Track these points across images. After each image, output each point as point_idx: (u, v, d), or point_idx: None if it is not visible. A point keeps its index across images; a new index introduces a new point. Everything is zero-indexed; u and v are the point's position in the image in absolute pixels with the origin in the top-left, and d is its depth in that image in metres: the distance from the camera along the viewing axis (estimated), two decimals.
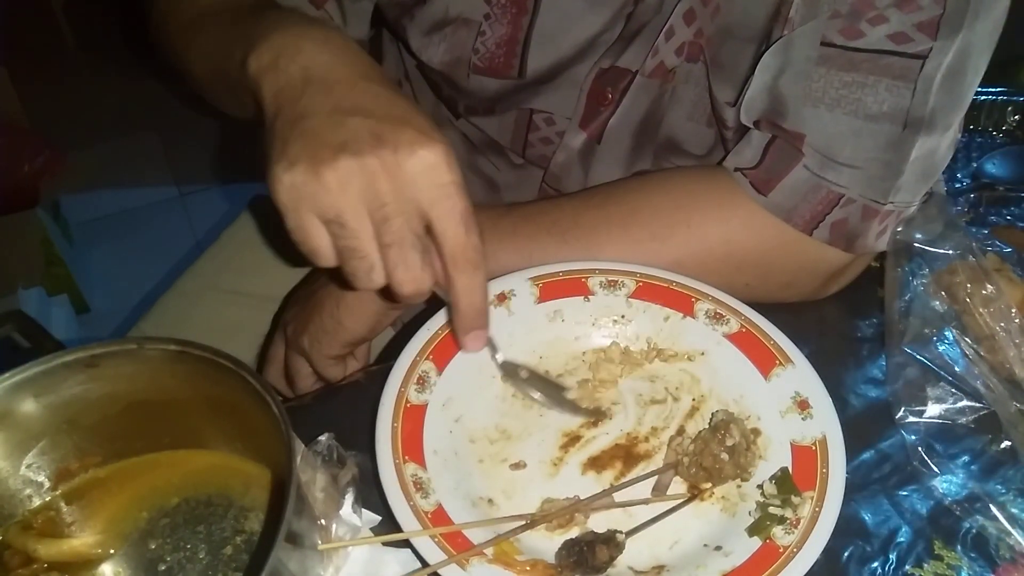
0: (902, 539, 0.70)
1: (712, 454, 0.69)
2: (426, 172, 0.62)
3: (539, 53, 0.89)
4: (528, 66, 0.89)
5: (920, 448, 0.75)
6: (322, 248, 0.64)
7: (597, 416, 0.76)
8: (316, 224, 0.63)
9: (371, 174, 0.61)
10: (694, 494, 0.70)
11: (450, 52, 0.91)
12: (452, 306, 0.69)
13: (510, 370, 0.77)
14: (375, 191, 0.61)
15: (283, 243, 1.15)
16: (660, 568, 0.65)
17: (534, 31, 0.87)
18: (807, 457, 0.70)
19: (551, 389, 0.77)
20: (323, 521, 0.62)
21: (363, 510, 0.66)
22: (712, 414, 0.75)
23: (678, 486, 0.71)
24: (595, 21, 0.86)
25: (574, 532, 0.67)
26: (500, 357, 0.76)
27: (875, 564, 0.68)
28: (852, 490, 0.70)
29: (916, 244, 0.80)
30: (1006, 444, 0.75)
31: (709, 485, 0.70)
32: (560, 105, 0.93)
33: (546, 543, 0.66)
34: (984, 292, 0.78)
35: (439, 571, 0.62)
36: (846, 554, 0.69)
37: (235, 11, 0.80)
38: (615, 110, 0.90)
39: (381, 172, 0.61)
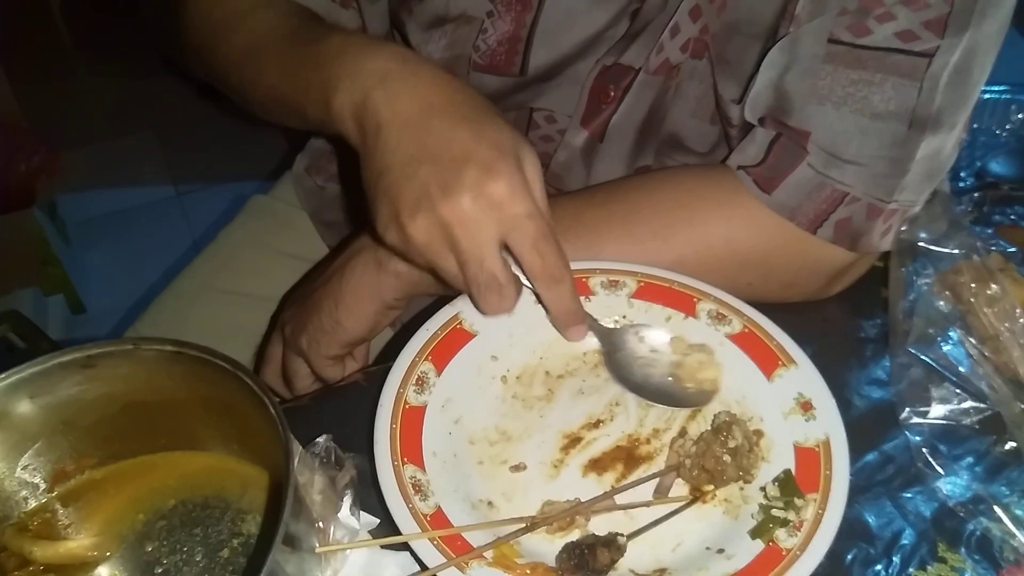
0: (906, 541, 0.70)
1: (714, 456, 0.69)
2: (495, 209, 0.68)
3: (541, 50, 0.88)
4: (530, 64, 0.89)
5: (924, 449, 0.74)
6: (453, 277, 0.72)
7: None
8: (437, 260, 0.70)
9: (446, 219, 0.67)
10: (696, 496, 0.70)
11: (450, 49, 0.91)
12: (548, 311, 0.76)
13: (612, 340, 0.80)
14: (453, 240, 0.68)
15: (284, 243, 1.16)
16: (662, 571, 0.65)
17: (537, 28, 0.87)
18: (810, 459, 0.69)
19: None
20: (321, 524, 0.62)
21: (361, 512, 0.65)
22: (714, 416, 0.74)
23: (680, 488, 0.71)
24: (599, 18, 0.86)
25: (575, 535, 0.67)
26: (607, 323, 0.80)
27: (879, 567, 0.68)
28: (855, 492, 0.70)
29: (920, 244, 0.80)
30: (1011, 445, 0.74)
31: (711, 487, 0.70)
32: (561, 103, 0.92)
33: (546, 546, 0.66)
34: (989, 292, 0.78)
35: (438, 574, 0.61)
36: (849, 556, 0.68)
37: (290, 42, 0.82)
38: (617, 107, 0.89)
39: (454, 218, 0.67)
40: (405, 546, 0.64)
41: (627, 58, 0.87)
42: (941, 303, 0.79)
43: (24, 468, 0.65)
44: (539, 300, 0.75)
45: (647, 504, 0.69)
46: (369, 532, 0.67)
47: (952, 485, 0.73)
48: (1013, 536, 0.69)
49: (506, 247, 0.70)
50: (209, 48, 0.90)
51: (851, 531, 0.69)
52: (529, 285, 0.74)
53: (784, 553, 0.63)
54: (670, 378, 0.78)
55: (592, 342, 0.80)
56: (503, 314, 0.74)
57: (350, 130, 0.72)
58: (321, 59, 0.75)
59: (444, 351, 0.76)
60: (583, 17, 0.86)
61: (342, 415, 0.76)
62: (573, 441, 0.74)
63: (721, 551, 0.66)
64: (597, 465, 0.72)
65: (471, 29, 0.89)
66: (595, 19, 0.86)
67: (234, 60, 0.87)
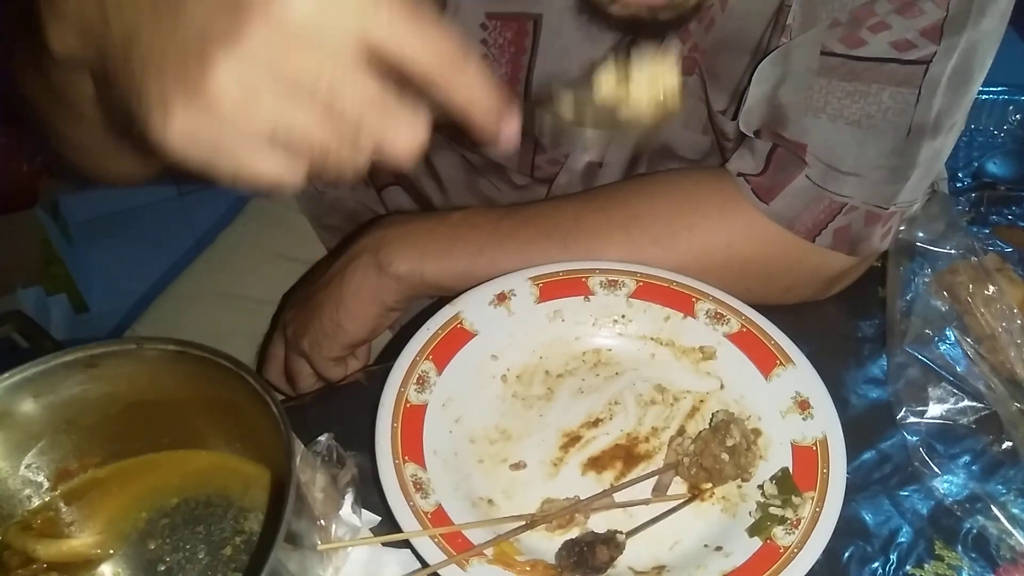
0: (903, 539, 0.70)
1: (712, 454, 0.69)
2: (327, 8, 0.42)
3: (541, 90, 0.88)
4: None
5: (921, 448, 0.75)
6: (280, 173, 0.46)
7: None
8: (252, 148, 0.44)
9: (266, 55, 0.42)
10: (694, 494, 0.70)
11: None
12: (465, 113, 0.48)
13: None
14: (290, 71, 0.43)
15: (284, 245, 1.16)
16: (660, 568, 0.65)
17: (535, 68, 0.86)
18: (808, 457, 0.70)
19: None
20: (323, 521, 0.62)
21: (363, 510, 0.66)
22: (712, 414, 0.75)
23: (678, 486, 0.71)
24: (594, 52, 0.85)
25: (574, 532, 0.67)
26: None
27: (876, 564, 0.68)
28: (853, 490, 0.70)
29: (918, 244, 0.80)
30: (1007, 444, 0.75)
31: (709, 485, 0.70)
32: None
33: (546, 543, 0.66)
34: (986, 292, 0.78)
35: (439, 571, 0.62)
36: (847, 554, 0.69)
37: None
38: None
39: (277, 44, 0.42)
40: (406, 543, 0.64)
41: None
42: (938, 303, 0.79)
43: (27, 467, 0.65)
44: (444, 113, 0.48)
45: (646, 502, 0.69)
46: (370, 530, 0.67)
47: (949, 484, 0.73)
48: (1009, 534, 0.70)
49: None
50: None
51: (848, 529, 0.69)
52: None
53: (782, 551, 0.64)
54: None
55: (593, 341, 0.80)
56: (414, 146, 0.46)
57: (60, 27, 0.51)
58: None
59: (445, 350, 0.76)
60: (578, 54, 0.85)
61: (344, 414, 0.77)
62: (572, 440, 0.74)
63: (719, 549, 0.66)
64: (596, 463, 0.73)
65: None
66: (590, 54, 0.85)
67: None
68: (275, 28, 0.42)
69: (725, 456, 0.69)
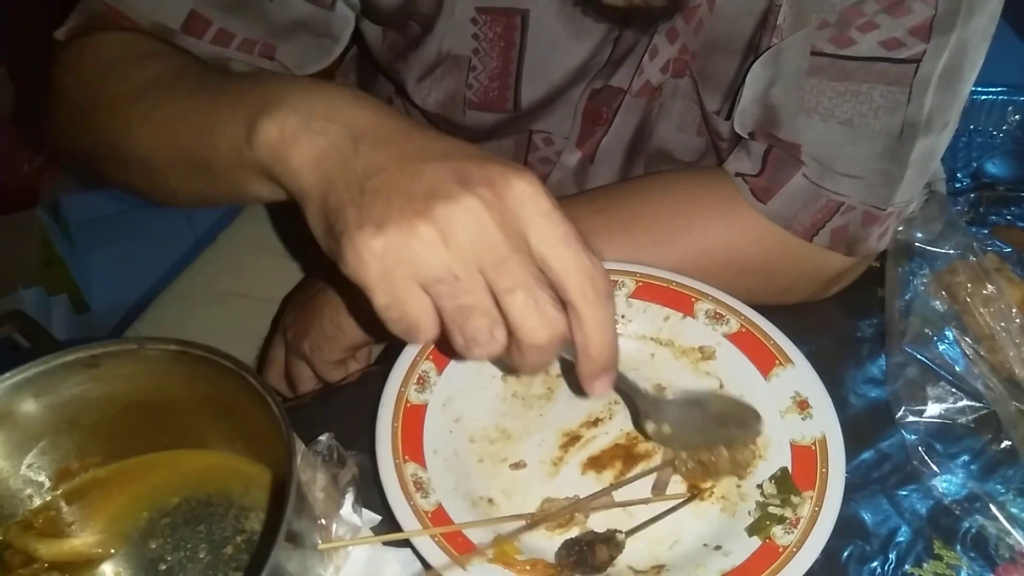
0: (902, 539, 0.70)
1: (709, 449, 0.69)
2: (529, 202, 0.53)
3: (531, 85, 0.88)
4: (522, 98, 0.89)
5: (920, 448, 0.75)
6: (424, 320, 0.53)
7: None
8: (416, 291, 0.52)
9: (473, 215, 0.51)
10: (694, 493, 0.70)
11: (445, 91, 0.90)
12: (578, 348, 0.56)
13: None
14: (483, 233, 0.51)
15: (283, 244, 1.16)
16: (660, 567, 0.65)
17: (524, 63, 0.87)
18: (807, 457, 0.70)
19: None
20: (323, 521, 0.62)
21: (363, 510, 0.66)
22: None
23: (678, 485, 0.71)
24: (582, 49, 0.86)
25: (574, 532, 0.67)
26: (645, 389, 0.69)
27: (874, 564, 0.68)
28: (852, 490, 0.70)
29: (916, 244, 0.81)
30: (1006, 444, 0.75)
31: (709, 483, 0.70)
32: (558, 125, 0.92)
33: (546, 543, 0.66)
34: (984, 292, 0.78)
35: (439, 571, 0.62)
36: (845, 554, 0.69)
37: (195, 80, 0.71)
38: (608, 128, 0.90)
39: (483, 211, 0.51)
40: (407, 543, 0.64)
41: (616, 80, 0.87)
42: (937, 303, 0.80)
43: (29, 466, 0.65)
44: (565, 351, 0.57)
45: (645, 501, 0.70)
46: (371, 529, 0.67)
47: (948, 483, 0.73)
48: (1008, 534, 0.70)
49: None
50: (90, 98, 0.76)
51: (847, 528, 0.69)
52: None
53: (781, 550, 0.64)
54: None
55: None
56: (550, 339, 0.54)
57: (303, 148, 0.57)
58: (245, 87, 0.64)
59: (445, 350, 0.76)
60: (566, 50, 0.86)
61: (344, 414, 0.77)
62: (572, 439, 0.74)
63: (718, 548, 0.66)
64: (596, 463, 0.73)
65: (461, 68, 0.88)
66: (578, 51, 0.86)
67: (123, 95, 0.73)
68: (484, 201, 0.51)
69: (723, 451, 0.69)
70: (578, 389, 0.61)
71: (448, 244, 0.51)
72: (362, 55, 1.07)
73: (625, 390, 0.68)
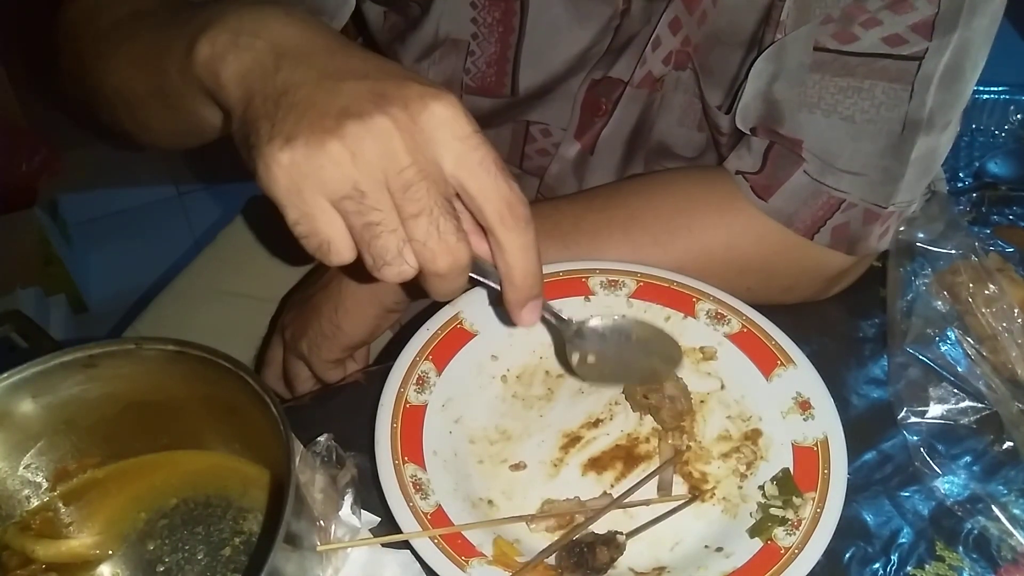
0: (904, 540, 0.70)
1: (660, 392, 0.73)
2: (444, 126, 0.53)
3: (530, 71, 0.88)
4: (520, 84, 0.89)
5: (922, 449, 0.75)
6: (336, 236, 0.54)
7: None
8: (324, 208, 0.53)
9: (383, 136, 0.51)
10: (695, 495, 0.70)
11: (442, 75, 0.90)
12: (502, 275, 0.58)
13: (580, 336, 0.69)
14: (391, 154, 0.52)
15: (282, 244, 1.16)
16: (661, 569, 0.65)
17: (523, 49, 0.86)
18: (808, 458, 0.70)
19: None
20: (322, 522, 0.62)
21: (362, 511, 0.66)
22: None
23: (679, 487, 0.71)
24: (583, 36, 0.86)
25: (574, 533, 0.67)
26: (568, 317, 0.68)
27: (877, 565, 0.68)
28: (854, 491, 0.70)
29: (918, 244, 0.80)
30: (1008, 445, 0.75)
31: (710, 486, 0.70)
32: (556, 116, 0.92)
33: (546, 544, 0.66)
34: (986, 292, 0.78)
35: (439, 572, 0.62)
36: (847, 555, 0.69)
37: (167, 10, 0.70)
38: (608, 120, 0.90)
39: (394, 132, 0.52)
40: (406, 544, 0.64)
41: (616, 71, 0.87)
42: (939, 303, 0.79)
43: (26, 467, 0.65)
44: (483, 273, 0.59)
45: (646, 503, 0.69)
46: (370, 530, 0.67)
47: (950, 484, 0.73)
48: (1010, 535, 0.70)
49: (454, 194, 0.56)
50: (74, 36, 0.78)
51: (849, 530, 0.69)
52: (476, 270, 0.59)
53: (782, 551, 0.64)
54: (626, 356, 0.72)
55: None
56: (453, 266, 0.54)
57: (230, 63, 0.57)
58: (196, 12, 0.63)
59: (444, 351, 0.76)
60: (567, 36, 0.86)
61: (343, 414, 0.77)
62: (573, 440, 0.74)
63: (720, 549, 0.66)
64: (596, 464, 0.73)
65: (459, 53, 0.88)
66: (579, 37, 0.86)
67: (100, 34, 0.75)
68: (400, 122, 0.52)
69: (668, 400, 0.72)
70: (509, 321, 0.62)
71: (356, 162, 0.51)
72: (367, 44, 1.08)
73: (550, 319, 0.67)
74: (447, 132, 0.53)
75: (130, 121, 0.78)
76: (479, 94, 0.91)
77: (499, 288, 0.59)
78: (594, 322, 0.70)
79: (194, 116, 0.66)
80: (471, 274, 0.57)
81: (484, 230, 0.57)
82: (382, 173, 0.52)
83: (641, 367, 0.72)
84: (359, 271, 0.56)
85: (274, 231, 1.18)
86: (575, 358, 0.69)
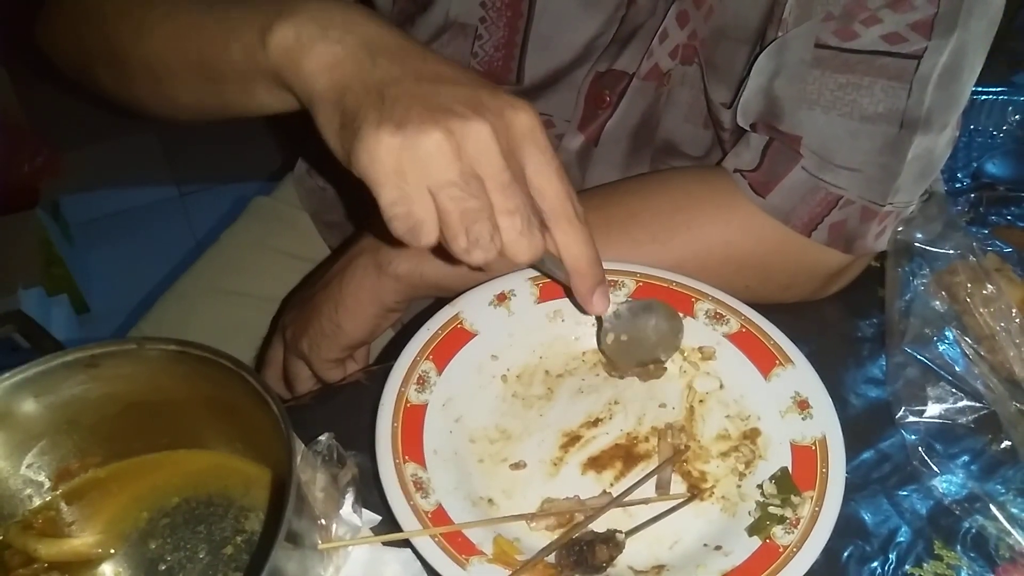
0: (902, 539, 0.70)
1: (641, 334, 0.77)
2: (529, 135, 0.61)
3: (536, 59, 0.88)
4: (526, 72, 0.89)
5: (920, 448, 0.75)
6: (428, 218, 0.58)
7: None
8: (424, 193, 0.58)
9: (484, 137, 0.58)
10: (694, 494, 0.70)
11: (449, 58, 0.91)
12: (570, 267, 0.67)
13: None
14: (491, 155, 0.58)
15: (286, 245, 1.16)
16: (660, 568, 0.65)
17: (531, 34, 0.87)
18: (807, 457, 0.70)
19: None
20: (323, 521, 0.62)
21: (363, 510, 0.66)
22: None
23: (679, 486, 0.71)
24: (590, 25, 0.86)
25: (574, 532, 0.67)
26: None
27: (875, 564, 0.68)
28: (852, 490, 0.70)
29: (916, 244, 0.81)
30: (1006, 444, 0.75)
31: (709, 484, 0.71)
32: (560, 108, 0.92)
33: (546, 543, 0.66)
34: (984, 292, 0.78)
35: (439, 570, 0.62)
36: (846, 554, 0.69)
37: None
38: (612, 113, 0.90)
39: (492, 136, 0.58)
40: (407, 543, 0.64)
41: (621, 64, 0.87)
42: (937, 303, 0.80)
43: (28, 466, 0.65)
44: (545, 266, 0.69)
45: (646, 501, 0.70)
46: (371, 529, 0.67)
47: (948, 483, 0.73)
48: (1008, 534, 0.70)
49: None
50: (98, 2, 0.78)
51: (848, 528, 0.69)
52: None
53: (781, 550, 0.64)
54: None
55: (593, 341, 0.80)
56: (533, 259, 0.62)
57: (318, 54, 0.61)
58: (259, 3, 0.66)
59: (445, 350, 0.76)
60: (574, 23, 0.86)
61: (344, 414, 0.77)
62: (572, 439, 0.74)
63: (719, 548, 0.66)
64: (596, 463, 0.73)
65: (467, 37, 0.89)
66: (586, 25, 0.86)
67: (131, 7, 0.75)
68: (494, 127, 0.58)
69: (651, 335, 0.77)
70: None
71: (460, 155, 0.57)
72: None
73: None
74: (531, 141, 0.61)
75: (150, 92, 0.78)
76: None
77: (559, 278, 0.68)
78: (625, 305, 0.77)
79: (247, 98, 0.69)
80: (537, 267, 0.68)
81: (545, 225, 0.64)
82: (482, 170, 0.58)
83: (652, 342, 0.78)
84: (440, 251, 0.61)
85: (278, 229, 1.18)
86: (610, 339, 0.77)
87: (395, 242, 0.83)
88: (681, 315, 0.78)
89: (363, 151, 0.57)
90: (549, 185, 0.62)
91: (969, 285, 0.79)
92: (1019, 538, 0.69)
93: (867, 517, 0.71)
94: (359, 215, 1.10)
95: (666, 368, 0.78)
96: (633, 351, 0.77)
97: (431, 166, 0.57)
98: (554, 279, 0.69)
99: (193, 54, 0.70)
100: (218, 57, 0.68)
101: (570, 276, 0.67)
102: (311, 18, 0.62)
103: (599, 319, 0.76)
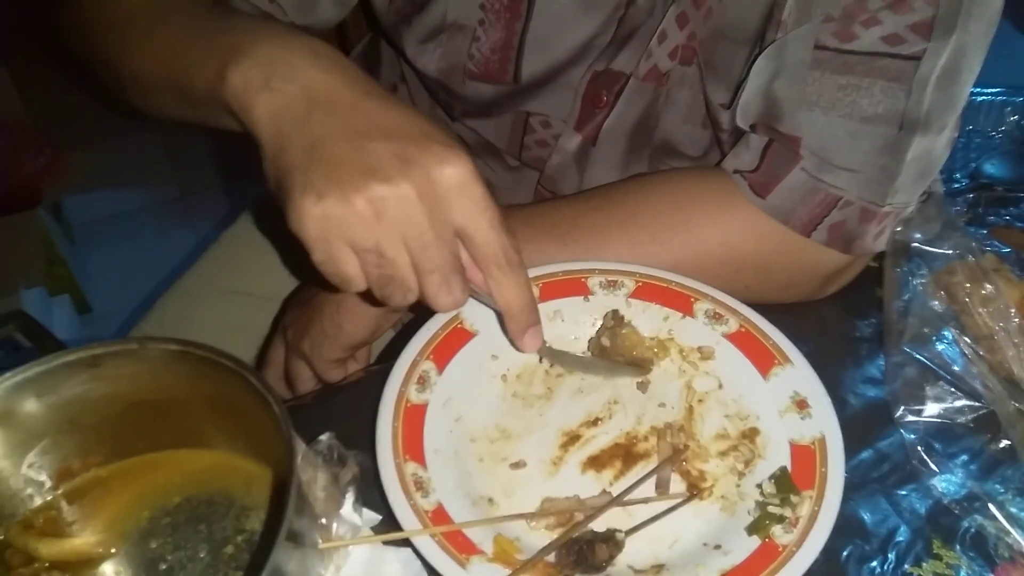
0: (901, 538, 0.70)
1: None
2: (459, 189, 0.61)
3: (533, 58, 0.89)
4: (523, 71, 0.90)
5: (919, 447, 0.75)
6: (355, 275, 0.63)
7: (644, 368, 0.79)
8: (348, 253, 0.61)
9: (406, 201, 0.59)
10: (693, 493, 0.70)
11: (445, 59, 0.91)
12: (503, 311, 0.68)
13: (557, 357, 0.79)
14: (411, 218, 0.60)
15: (286, 246, 1.16)
16: (660, 567, 0.66)
17: (528, 36, 0.87)
18: (806, 456, 0.70)
19: (597, 365, 0.79)
20: (324, 520, 0.62)
21: (364, 509, 0.66)
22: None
23: (678, 485, 0.71)
24: (588, 25, 0.86)
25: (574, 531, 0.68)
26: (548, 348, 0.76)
27: (874, 563, 0.69)
28: (851, 489, 0.70)
29: (915, 244, 0.81)
30: (1005, 443, 0.75)
31: (708, 484, 0.71)
32: (556, 108, 0.93)
33: (546, 542, 0.66)
34: (983, 292, 0.78)
35: (439, 570, 0.62)
36: (845, 553, 0.69)
37: (189, 10, 0.75)
38: (609, 112, 0.90)
39: (415, 198, 0.60)
40: (407, 542, 0.64)
41: (618, 63, 0.87)
42: (936, 303, 0.80)
43: (30, 466, 0.65)
44: (487, 302, 0.70)
45: (645, 501, 0.70)
46: (371, 528, 0.67)
47: (947, 483, 0.73)
48: (1007, 533, 0.70)
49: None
50: (93, 14, 0.82)
51: (847, 528, 0.70)
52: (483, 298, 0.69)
53: (780, 549, 0.64)
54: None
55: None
56: (454, 308, 0.66)
57: (263, 103, 0.63)
58: (223, 28, 0.69)
59: (445, 350, 0.77)
60: (572, 24, 0.86)
61: (345, 413, 0.77)
62: (572, 439, 0.75)
63: (718, 547, 0.66)
64: (596, 462, 0.73)
65: (464, 38, 0.89)
66: (584, 26, 0.87)
67: (122, 17, 0.78)
68: (421, 189, 0.60)
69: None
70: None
71: (379, 220, 0.60)
72: (372, 26, 1.09)
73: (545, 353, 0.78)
74: (461, 195, 0.61)
75: (141, 100, 0.82)
76: (481, 80, 0.92)
77: (495, 306, 0.69)
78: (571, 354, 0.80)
79: (216, 121, 0.71)
80: (478, 299, 0.69)
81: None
82: (401, 233, 0.61)
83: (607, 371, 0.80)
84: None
85: (279, 233, 1.18)
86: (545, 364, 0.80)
87: None
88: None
89: (291, 217, 0.61)
90: (479, 234, 0.63)
91: (967, 285, 0.79)
92: (1018, 537, 0.69)
93: (866, 516, 0.72)
94: None
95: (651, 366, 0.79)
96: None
97: (351, 233, 0.60)
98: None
99: (171, 73, 0.72)
100: (187, 84, 0.70)
101: (504, 318, 0.69)
102: (257, 63, 0.63)
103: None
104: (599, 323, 0.81)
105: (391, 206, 0.59)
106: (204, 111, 0.71)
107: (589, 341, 0.80)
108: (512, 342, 0.71)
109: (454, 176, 0.61)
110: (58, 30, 0.87)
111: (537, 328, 0.70)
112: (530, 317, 0.69)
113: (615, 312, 0.80)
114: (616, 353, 0.78)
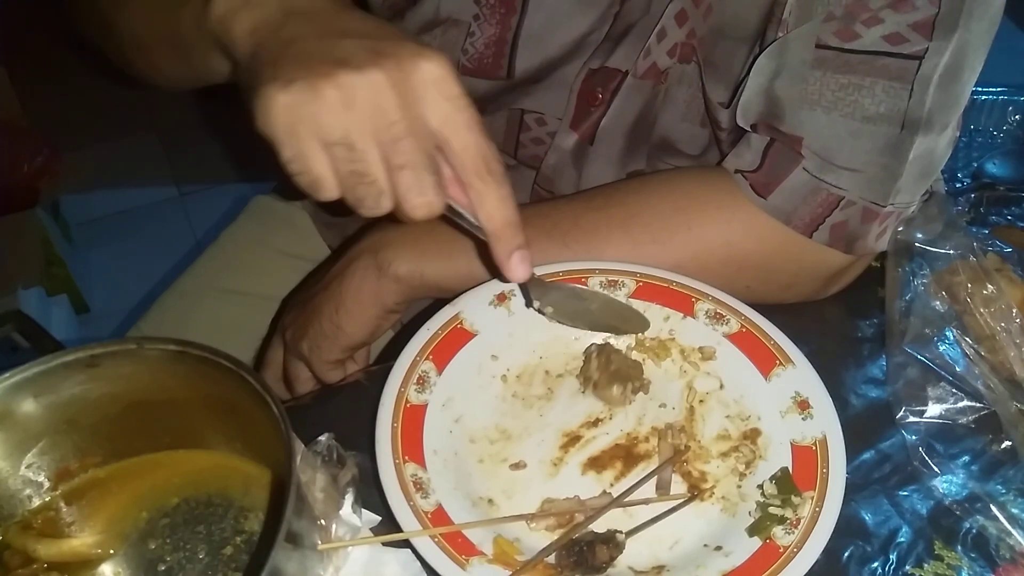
0: (902, 539, 0.70)
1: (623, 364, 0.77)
2: (434, 85, 0.58)
3: (527, 53, 0.88)
4: (516, 67, 0.89)
5: (920, 448, 0.75)
6: (324, 176, 0.59)
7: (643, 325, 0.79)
8: (317, 149, 0.58)
9: (376, 88, 0.56)
10: (694, 494, 0.70)
11: None
12: (485, 228, 0.64)
13: (548, 293, 0.77)
14: (382, 107, 0.57)
15: (287, 244, 1.16)
16: (660, 568, 0.65)
17: (522, 31, 0.87)
18: (807, 457, 0.70)
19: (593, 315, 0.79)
20: (323, 521, 0.62)
21: (363, 510, 0.66)
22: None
23: (679, 486, 0.71)
24: (583, 21, 0.86)
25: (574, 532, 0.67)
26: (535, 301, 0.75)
27: (875, 564, 0.68)
28: (852, 490, 0.70)
29: (917, 244, 0.80)
30: (1006, 444, 0.75)
31: (709, 485, 0.71)
32: (551, 105, 0.92)
33: (546, 543, 0.66)
34: (985, 292, 0.78)
35: (439, 571, 0.62)
36: (846, 554, 0.69)
37: None
38: (606, 111, 0.90)
39: (386, 86, 0.56)
40: (406, 543, 0.64)
41: (614, 61, 0.87)
42: (937, 303, 0.80)
43: (28, 466, 0.65)
44: (463, 220, 0.65)
45: (646, 502, 0.70)
46: (371, 529, 0.67)
47: (948, 483, 0.73)
48: (1009, 534, 0.70)
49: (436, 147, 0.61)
50: None
51: (848, 529, 0.69)
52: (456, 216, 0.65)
53: (781, 550, 0.64)
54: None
55: (593, 341, 0.80)
56: (429, 214, 0.61)
57: (242, 19, 0.62)
58: None
59: (445, 350, 0.76)
60: (567, 20, 0.86)
61: (344, 414, 0.77)
62: (572, 439, 0.74)
63: (719, 548, 0.66)
64: (596, 463, 0.73)
65: (458, 33, 0.89)
66: (579, 22, 0.86)
67: None
68: (393, 78, 0.57)
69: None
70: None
71: (349, 109, 0.56)
72: None
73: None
74: (436, 91, 0.58)
75: (142, 62, 0.83)
76: (475, 75, 0.91)
77: (478, 232, 0.65)
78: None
79: (203, 64, 0.70)
80: (454, 216, 0.64)
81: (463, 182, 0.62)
82: (372, 124, 0.57)
83: (600, 321, 0.79)
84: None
85: (279, 228, 1.18)
86: (535, 305, 0.77)
87: (395, 243, 0.84)
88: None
89: (259, 110, 0.57)
90: (456, 137, 0.60)
91: (969, 285, 0.79)
92: (1019, 538, 0.69)
93: (867, 517, 0.71)
94: (359, 215, 1.10)
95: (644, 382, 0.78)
96: (572, 320, 0.79)
97: (320, 123, 0.57)
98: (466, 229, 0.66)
99: (159, 25, 0.73)
100: (176, 28, 0.69)
101: (488, 239, 0.65)
102: None
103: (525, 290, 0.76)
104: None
105: (360, 94, 0.56)
106: (196, 56, 0.70)
107: (579, 371, 0.79)
108: (501, 270, 0.66)
109: (429, 70, 0.58)
110: (63, 14, 0.89)
111: (525, 253, 0.66)
112: (516, 238, 0.65)
113: (600, 347, 0.79)
114: (608, 375, 0.78)
